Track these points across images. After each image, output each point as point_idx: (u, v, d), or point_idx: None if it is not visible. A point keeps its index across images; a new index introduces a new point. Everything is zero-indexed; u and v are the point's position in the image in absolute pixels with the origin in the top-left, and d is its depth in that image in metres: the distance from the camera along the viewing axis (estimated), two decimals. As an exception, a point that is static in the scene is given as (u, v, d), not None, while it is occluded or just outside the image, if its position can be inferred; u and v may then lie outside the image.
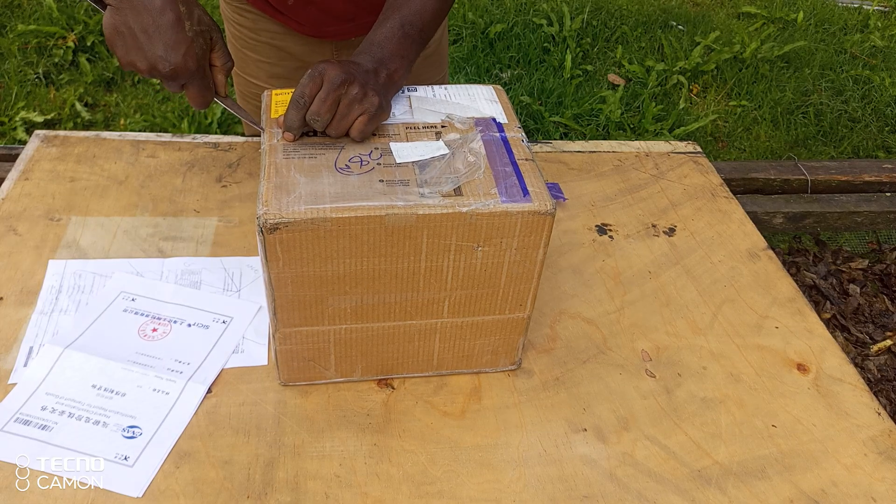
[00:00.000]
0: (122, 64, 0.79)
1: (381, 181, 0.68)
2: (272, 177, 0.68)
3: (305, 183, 0.67)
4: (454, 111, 0.79)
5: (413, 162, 0.71)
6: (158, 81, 0.81)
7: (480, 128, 0.76)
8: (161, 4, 0.77)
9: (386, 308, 0.72)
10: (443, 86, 0.84)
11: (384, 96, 0.74)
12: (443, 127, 0.76)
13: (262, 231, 0.64)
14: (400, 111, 0.79)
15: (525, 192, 0.68)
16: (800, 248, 2.05)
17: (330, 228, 0.65)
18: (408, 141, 0.74)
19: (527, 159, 0.72)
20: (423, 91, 0.82)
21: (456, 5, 3.01)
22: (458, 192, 0.68)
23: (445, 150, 0.73)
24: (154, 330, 0.82)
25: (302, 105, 0.71)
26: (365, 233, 0.66)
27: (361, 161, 0.71)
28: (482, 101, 0.81)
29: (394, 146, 0.73)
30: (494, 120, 0.78)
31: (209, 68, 0.82)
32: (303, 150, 0.72)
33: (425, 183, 0.68)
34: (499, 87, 0.84)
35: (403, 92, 0.82)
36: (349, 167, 0.70)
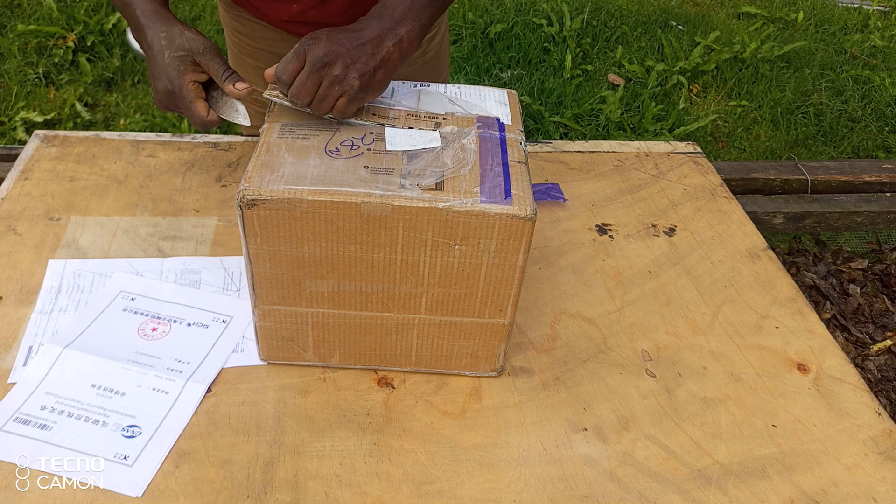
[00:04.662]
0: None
1: (366, 168, 0.68)
2: (262, 154, 0.69)
3: (292, 163, 0.68)
4: (461, 108, 0.78)
5: (403, 151, 0.71)
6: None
7: (480, 125, 0.76)
8: (148, 42, 0.79)
9: (363, 297, 0.73)
10: (456, 85, 0.83)
11: (372, 74, 0.73)
12: (444, 119, 0.76)
13: (240, 206, 0.65)
14: (407, 102, 0.79)
15: (508, 194, 0.67)
16: (800, 248, 2.05)
17: (306, 210, 0.65)
18: (406, 127, 0.74)
19: (519, 162, 0.71)
20: (434, 87, 0.82)
21: (456, 5, 3.01)
22: (439, 186, 0.67)
23: (438, 143, 0.72)
24: (154, 329, 0.82)
25: (284, 83, 0.72)
26: (340, 218, 0.66)
27: (352, 145, 0.71)
28: (491, 102, 0.81)
29: (389, 132, 0.73)
30: (498, 120, 0.77)
31: (192, 89, 0.81)
32: (299, 129, 0.73)
33: (409, 174, 0.68)
34: (513, 91, 0.83)
35: (414, 86, 0.82)
36: (338, 150, 0.70)
